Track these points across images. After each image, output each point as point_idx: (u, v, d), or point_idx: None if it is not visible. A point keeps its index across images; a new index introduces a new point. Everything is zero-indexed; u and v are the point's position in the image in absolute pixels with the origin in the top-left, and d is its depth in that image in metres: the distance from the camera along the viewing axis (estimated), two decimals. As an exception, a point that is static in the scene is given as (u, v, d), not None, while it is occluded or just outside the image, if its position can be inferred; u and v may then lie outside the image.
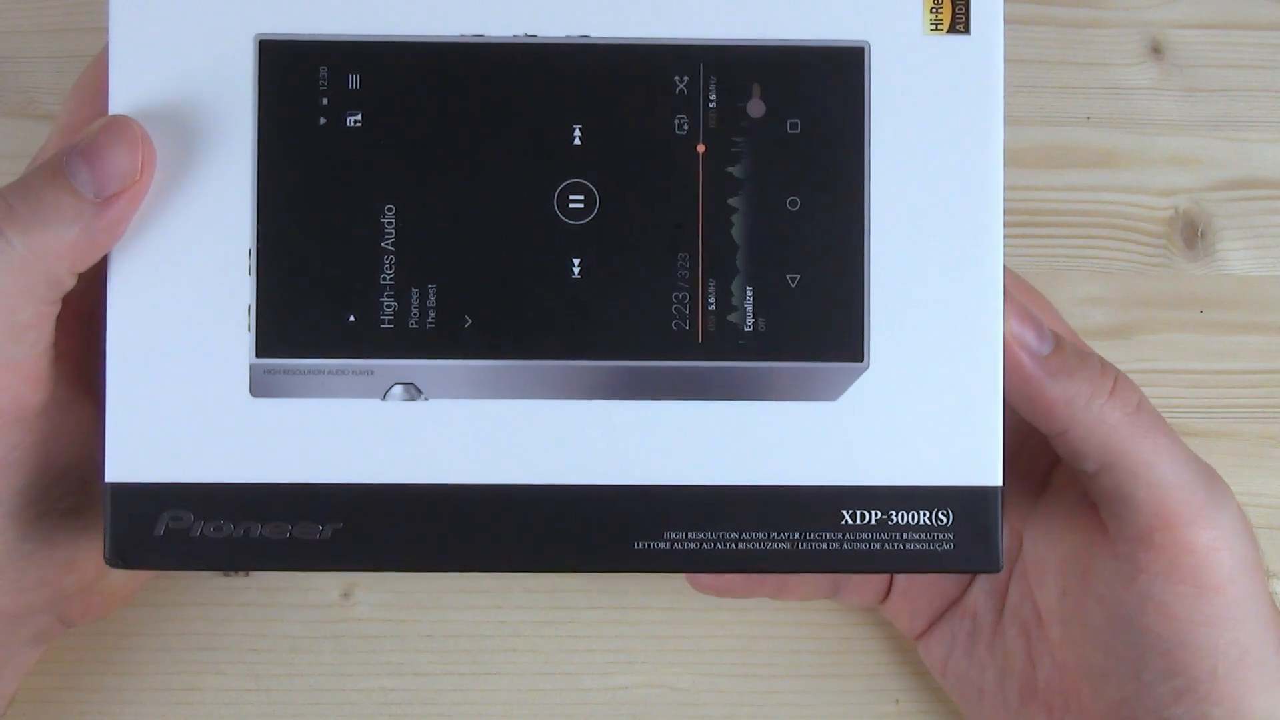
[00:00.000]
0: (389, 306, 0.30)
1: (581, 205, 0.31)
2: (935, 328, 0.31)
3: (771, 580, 0.37)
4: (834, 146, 0.31)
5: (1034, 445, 0.35)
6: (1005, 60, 0.43)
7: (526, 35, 0.30)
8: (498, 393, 0.31)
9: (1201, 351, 0.42)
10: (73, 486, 0.32)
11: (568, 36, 0.30)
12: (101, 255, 0.29)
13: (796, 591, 0.38)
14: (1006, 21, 0.43)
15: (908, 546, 0.31)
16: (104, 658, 0.39)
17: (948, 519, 0.31)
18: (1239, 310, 0.42)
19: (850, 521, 0.31)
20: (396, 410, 0.30)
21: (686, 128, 0.31)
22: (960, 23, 0.31)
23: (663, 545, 0.31)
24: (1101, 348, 0.42)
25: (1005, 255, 0.42)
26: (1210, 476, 0.32)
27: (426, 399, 0.30)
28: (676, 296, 0.31)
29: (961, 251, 0.31)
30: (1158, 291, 0.42)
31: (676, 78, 0.31)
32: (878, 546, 0.31)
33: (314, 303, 0.30)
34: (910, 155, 0.31)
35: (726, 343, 0.31)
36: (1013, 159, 0.42)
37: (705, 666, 0.40)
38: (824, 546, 0.31)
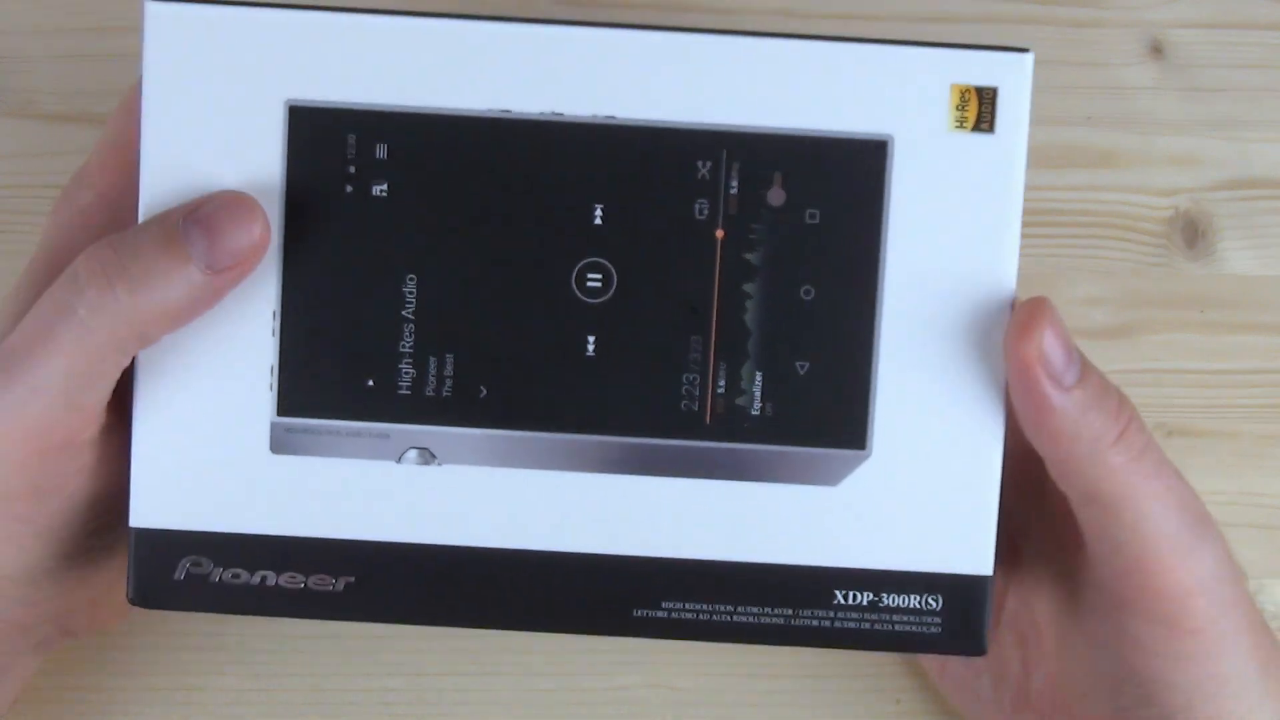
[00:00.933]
0: (407, 373, 0.31)
1: (599, 284, 0.31)
2: (939, 418, 0.32)
3: None
4: (851, 238, 0.31)
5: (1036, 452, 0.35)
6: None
7: (553, 113, 0.31)
8: (509, 461, 0.31)
9: (1201, 351, 0.42)
10: (101, 510, 0.32)
11: (593, 116, 0.31)
12: (200, 315, 0.30)
13: None
14: (1007, 21, 0.43)
15: (896, 628, 0.32)
16: (104, 658, 0.39)
17: (937, 604, 0.32)
18: (1239, 310, 0.42)
19: (842, 601, 0.32)
20: (411, 473, 0.31)
21: (706, 212, 0.31)
22: (985, 122, 0.31)
23: (660, 614, 0.32)
24: (1102, 348, 0.42)
25: (1005, 255, 0.42)
26: (1197, 519, 0.31)
27: (440, 464, 0.31)
28: (687, 378, 0.31)
29: (970, 346, 0.32)
30: (1158, 291, 0.42)
31: (699, 162, 0.31)
32: (867, 626, 0.32)
33: (334, 366, 0.31)
34: (926, 249, 0.31)
35: (733, 425, 0.32)
36: (1013, 159, 0.42)
37: (705, 666, 0.40)
38: (815, 623, 0.32)
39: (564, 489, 0.32)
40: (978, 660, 0.36)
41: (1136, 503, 0.30)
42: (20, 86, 0.42)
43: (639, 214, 0.31)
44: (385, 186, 0.31)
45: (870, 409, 0.32)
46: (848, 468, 0.32)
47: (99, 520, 0.32)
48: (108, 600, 0.34)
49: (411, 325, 0.31)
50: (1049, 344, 0.30)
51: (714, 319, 0.31)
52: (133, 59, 0.42)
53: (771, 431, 0.32)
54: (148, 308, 0.29)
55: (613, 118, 0.31)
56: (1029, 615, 0.35)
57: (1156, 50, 0.43)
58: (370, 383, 0.31)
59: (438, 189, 0.31)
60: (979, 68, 0.31)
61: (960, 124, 0.31)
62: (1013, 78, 0.31)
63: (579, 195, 0.31)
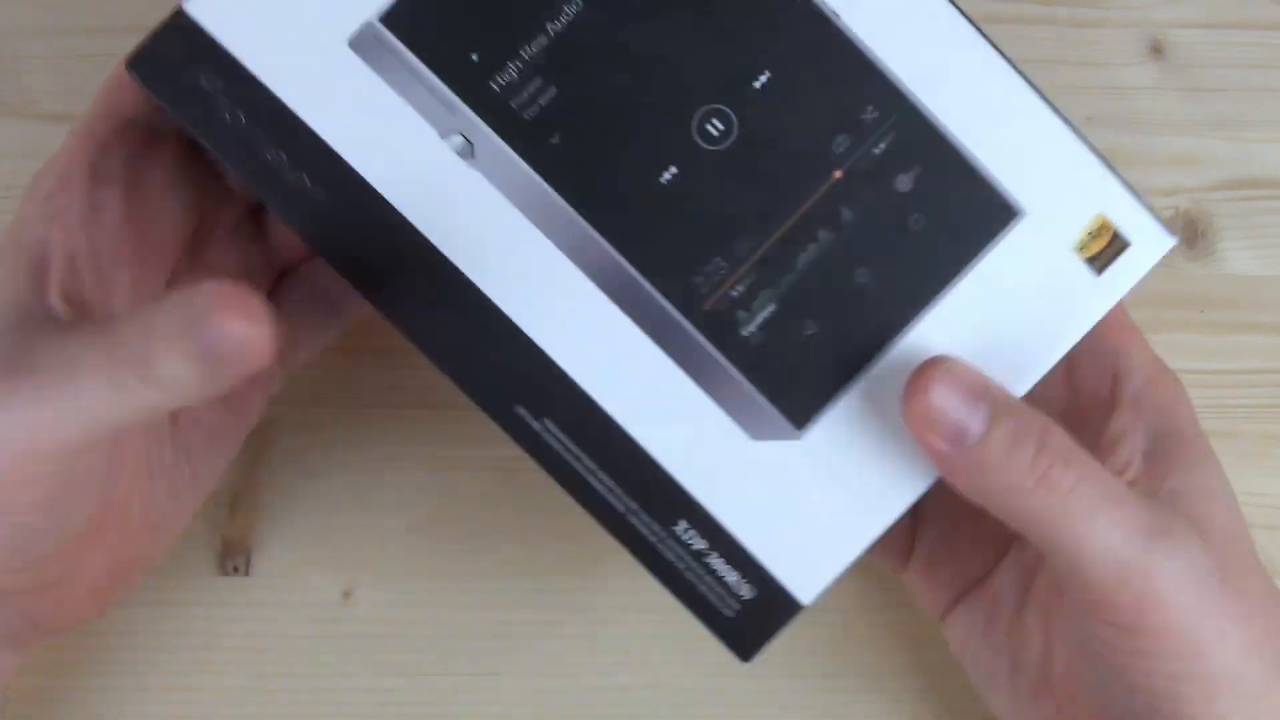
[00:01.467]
0: (510, 73, 0.31)
1: (716, 134, 0.31)
2: (873, 456, 0.32)
3: None
4: (928, 264, 0.31)
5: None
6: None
7: None
8: (526, 210, 0.31)
9: (1202, 351, 0.42)
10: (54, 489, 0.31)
11: (822, 4, 0.31)
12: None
13: None
14: (1007, 21, 0.43)
15: (700, 587, 0.32)
16: (104, 658, 0.39)
17: (746, 594, 0.32)
18: (1239, 310, 0.42)
19: (680, 532, 0.32)
20: (442, 152, 0.31)
21: (843, 150, 0.31)
22: (1100, 262, 0.32)
23: (535, 425, 0.31)
24: (1102, 348, 0.42)
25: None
26: (1153, 530, 0.30)
27: (472, 166, 0.31)
28: (718, 262, 0.31)
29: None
30: (1158, 291, 0.42)
31: (870, 107, 0.31)
32: (681, 566, 0.32)
33: (458, 19, 0.30)
34: (974, 318, 0.32)
35: (718, 327, 0.31)
36: (1013, 159, 0.43)
37: (705, 666, 0.40)
38: (645, 533, 0.32)
39: (548, 266, 0.31)
40: (998, 640, 0.35)
41: (1068, 542, 0.30)
42: (20, 86, 0.42)
43: (795, 105, 0.31)
44: None
45: (830, 406, 0.32)
46: (773, 435, 0.32)
47: (49, 505, 0.31)
48: (68, 585, 0.33)
49: (547, 41, 0.30)
50: (940, 402, 0.30)
51: (775, 238, 0.31)
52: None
53: (742, 357, 0.31)
54: (173, 383, 0.28)
55: (837, 16, 0.31)
56: (1058, 597, 0.34)
57: (1156, 50, 0.43)
58: (474, 57, 0.30)
59: None
60: (1130, 217, 0.32)
61: (1081, 248, 0.32)
62: (1148, 246, 0.32)
63: (755, 51, 0.31)
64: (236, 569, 0.39)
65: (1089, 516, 0.30)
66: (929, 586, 0.37)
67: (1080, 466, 0.30)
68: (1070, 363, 0.34)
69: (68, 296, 0.30)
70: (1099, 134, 0.43)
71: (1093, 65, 0.43)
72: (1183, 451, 0.33)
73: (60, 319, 0.30)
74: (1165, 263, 0.42)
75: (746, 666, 0.37)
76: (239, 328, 0.27)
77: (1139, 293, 0.42)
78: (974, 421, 0.30)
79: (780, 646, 0.40)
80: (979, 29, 0.32)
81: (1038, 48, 0.43)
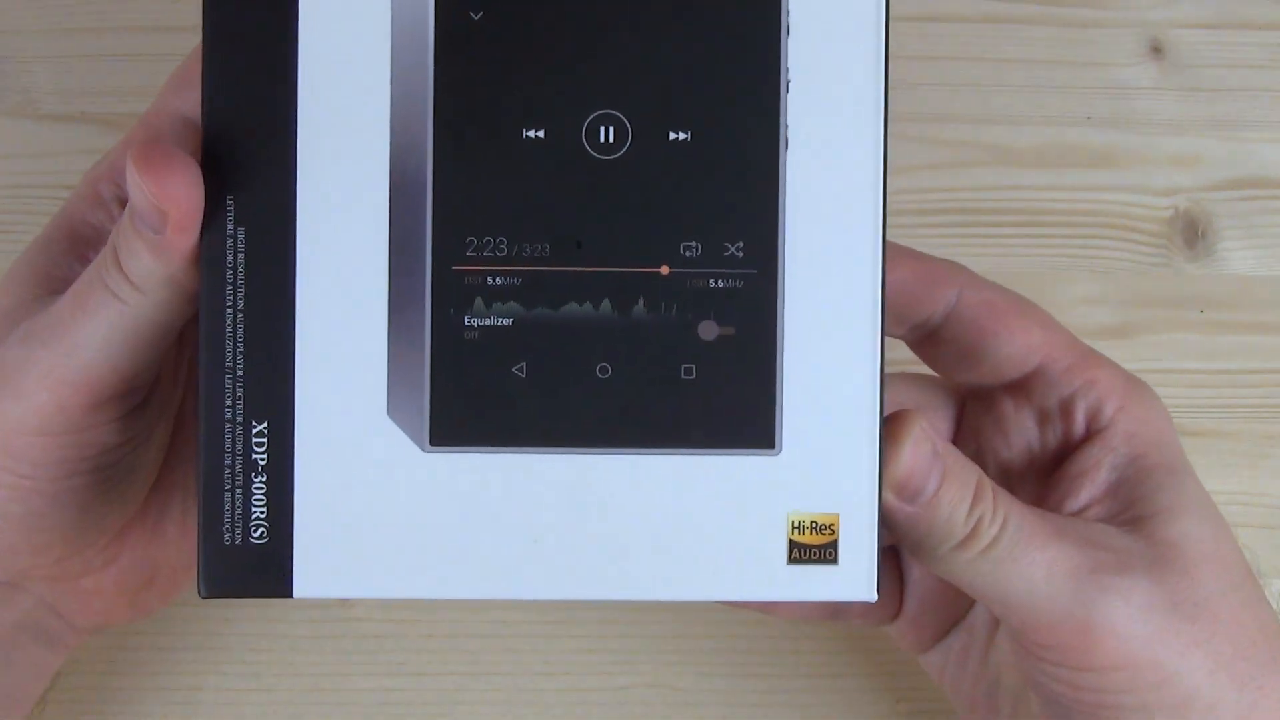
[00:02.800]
0: None
1: (605, 144, 0.28)
2: (472, 521, 0.28)
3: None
4: (663, 414, 0.28)
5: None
6: (1006, 60, 0.43)
7: None
8: (396, 56, 0.28)
9: (1201, 351, 0.42)
10: (105, 491, 0.32)
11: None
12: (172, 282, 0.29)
13: (785, 612, 0.37)
14: (1007, 21, 0.43)
15: (225, 497, 0.28)
16: (104, 657, 0.39)
17: (257, 538, 0.28)
18: (1239, 310, 0.42)
19: (254, 426, 0.28)
20: None
21: (687, 255, 0.28)
22: (799, 553, 0.29)
23: (229, 228, 0.28)
24: (1102, 348, 0.42)
25: (1006, 256, 0.42)
26: (1097, 568, 0.30)
27: None
28: (503, 240, 0.28)
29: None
30: (1158, 291, 0.42)
31: (742, 245, 0.28)
32: (226, 463, 0.28)
33: None
34: (662, 501, 0.28)
35: (449, 294, 0.28)
36: (1013, 159, 0.43)
37: (705, 666, 0.40)
38: (225, 400, 0.28)
39: (372, 136, 0.28)
40: (974, 667, 0.35)
41: (997, 592, 0.30)
42: (20, 86, 0.42)
43: (687, 176, 0.28)
44: None
45: (473, 449, 0.28)
46: (411, 434, 0.28)
47: (103, 505, 0.32)
48: (101, 588, 0.34)
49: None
50: (912, 460, 0.29)
51: (566, 267, 0.28)
52: (132, 59, 0.42)
53: (445, 345, 0.28)
54: (135, 275, 0.29)
55: (786, 148, 0.28)
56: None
57: (1156, 50, 0.43)
58: None
59: None
60: (861, 542, 0.28)
61: (797, 527, 0.28)
62: (848, 580, 0.28)
63: (689, 102, 0.28)
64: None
65: (1016, 562, 0.30)
66: (913, 637, 0.37)
67: (1008, 512, 0.30)
68: (1037, 403, 0.34)
69: None
70: (1099, 134, 0.43)
71: (1093, 65, 0.43)
72: (1151, 477, 0.32)
73: None
74: (1165, 263, 0.43)
75: (745, 667, 0.37)
76: (159, 181, 0.27)
77: (1139, 292, 0.42)
78: (931, 479, 0.29)
79: (780, 647, 0.40)
80: (882, 257, 0.28)
81: (1038, 48, 0.43)
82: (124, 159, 0.30)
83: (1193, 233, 0.42)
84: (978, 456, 0.35)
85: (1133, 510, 0.32)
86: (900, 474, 0.29)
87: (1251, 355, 0.42)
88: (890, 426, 0.29)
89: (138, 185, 0.27)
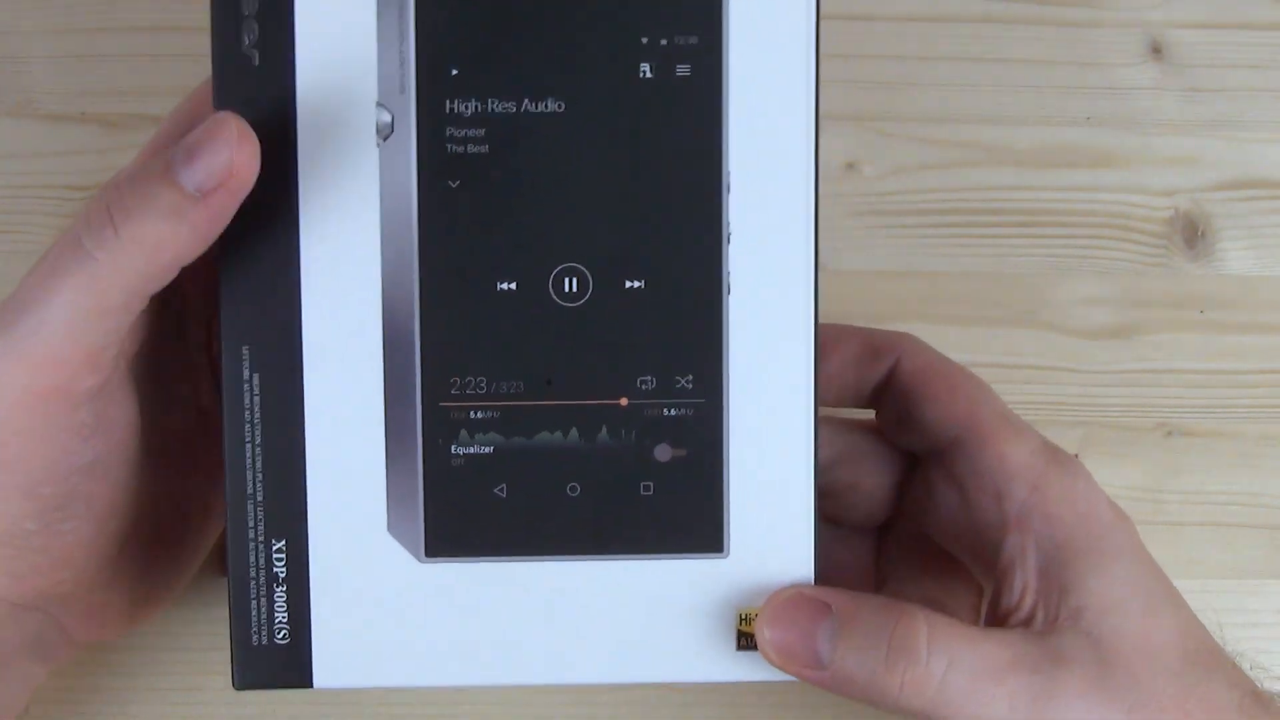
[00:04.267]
0: (466, 107, 0.31)
1: (569, 292, 0.31)
2: (467, 621, 0.32)
3: None
4: (628, 525, 0.32)
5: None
6: (1006, 60, 0.43)
7: None
8: (386, 221, 0.31)
9: (1201, 351, 0.42)
10: (94, 477, 0.32)
11: None
12: (197, 253, 0.30)
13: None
14: (1007, 21, 0.43)
15: (252, 604, 0.33)
16: (104, 658, 0.39)
17: (281, 639, 0.33)
18: (1239, 310, 0.42)
19: (274, 544, 0.32)
20: (367, 121, 0.31)
21: (643, 389, 0.32)
22: (749, 641, 0.32)
23: (245, 370, 0.31)
24: (1102, 348, 0.42)
25: (1006, 256, 0.42)
26: (1047, 700, 0.30)
27: (380, 145, 0.31)
28: (482, 380, 0.32)
29: None
30: (1158, 291, 0.42)
31: (692, 379, 0.32)
32: (252, 575, 0.32)
33: (466, 33, 0.31)
34: (623, 602, 0.32)
35: (438, 428, 0.32)
36: (1013, 159, 0.43)
37: (705, 666, 0.40)
38: (249, 520, 0.32)
39: (362, 269, 0.31)
40: None
41: (936, 714, 0.30)
42: (20, 86, 0.42)
43: (644, 323, 0.32)
44: None
45: (467, 560, 0.32)
46: (408, 547, 0.32)
47: (94, 502, 0.32)
48: (101, 598, 0.34)
49: (512, 111, 0.31)
50: (778, 637, 0.31)
51: (536, 401, 0.32)
52: (132, 59, 0.42)
53: (433, 469, 0.32)
54: (144, 236, 0.29)
55: (728, 293, 0.31)
56: None
57: (1156, 50, 0.43)
58: (454, 71, 0.31)
59: None
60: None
61: (746, 619, 0.32)
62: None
63: (649, 260, 0.31)
64: None
65: (975, 695, 0.30)
66: None
67: (951, 652, 0.30)
68: (956, 476, 0.34)
69: None
70: (1099, 134, 0.43)
71: (1093, 65, 0.43)
72: (1077, 562, 0.32)
73: None
74: (1165, 263, 0.43)
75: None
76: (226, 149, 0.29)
77: (1139, 292, 0.42)
78: (821, 644, 0.30)
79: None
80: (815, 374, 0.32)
81: (1038, 48, 0.43)
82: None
83: (1192, 233, 0.42)
84: (920, 518, 0.35)
85: (1067, 602, 0.31)
86: (774, 657, 0.31)
87: (1251, 355, 0.42)
88: (767, 604, 0.31)
89: (220, 137, 0.29)
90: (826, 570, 0.32)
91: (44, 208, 0.41)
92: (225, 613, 0.39)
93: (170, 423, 0.33)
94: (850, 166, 0.42)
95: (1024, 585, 0.32)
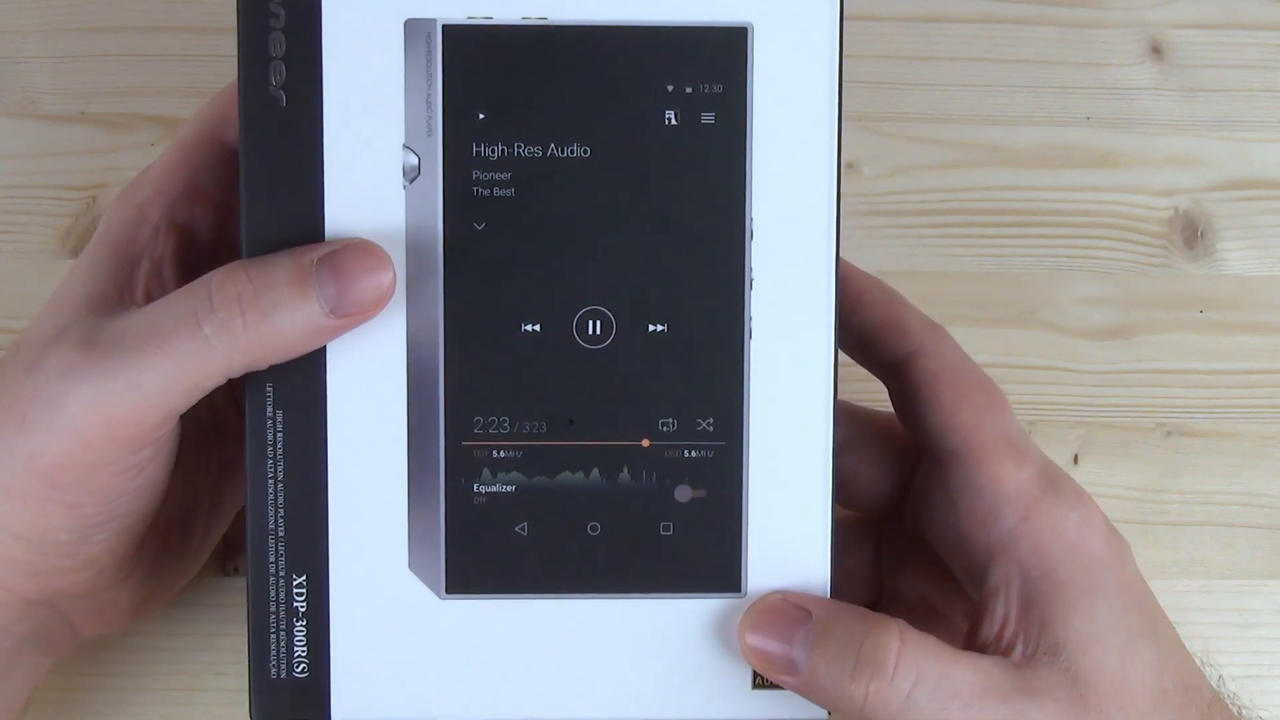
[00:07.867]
0: (492, 151, 0.31)
1: (593, 334, 0.32)
2: (486, 660, 0.32)
3: None
4: (650, 566, 0.32)
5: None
6: (1006, 60, 0.43)
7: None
8: (411, 258, 0.32)
9: (1201, 351, 0.42)
10: (133, 508, 0.32)
11: None
12: (306, 353, 0.31)
13: None
14: (1007, 21, 0.43)
15: (271, 638, 0.32)
16: (104, 658, 0.39)
17: (300, 673, 0.33)
18: (1239, 310, 0.42)
19: (295, 579, 0.32)
20: (393, 164, 0.31)
21: (665, 431, 0.32)
22: (763, 679, 0.32)
23: (268, 410, 0.32)
24: (1101, 348, 0.42)
25: (1006, 256, 0.42)
26: (991, 690, 0.30)
27: (407, 186, 0.31)
28: (505, 420, 0.32)
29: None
30: (1158, 291, 0.42)
31: (712, 420, 0.32)
32: (272, 609, 0.32)
33: (490, 81, 0.31)
34: (648, 641, 0.33)
35: (460, 467, 0.32)
36: (1013, 159, 0.43)
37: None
38: (270, 556, 0.32)
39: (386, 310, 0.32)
40: None
41: None
42: (20, 86, 0.42)
43: (667, 367, 0.32)
44: None
45: (484, 596, 0.32)
46: (426, 582, 0.32)
47: (129, 517, 0.32)
48: (110, 596, 0.34)
49: (538, 156, 0.31)
50: (757, 644, 0.31)
51: (558, 441, 0.32)
52: (132, 59, 0.42)
53: (455, 506, 0.32)
54: (268, 339, 0.30)
55: (750, 338, 0.32)
56: None
57: (1156, 50, 0.43)
58: (481, 116, 0.31)
59: None
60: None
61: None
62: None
63: (673, 305, 0.32)
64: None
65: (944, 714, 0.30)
66: None
67: (920, 670, 0.30)
68: (952, 488, 0.33)
69: (150, 296, 0.32)
70: (1099, 134, 0.43)
71: (1093, 65, 0.43)
72: (1060, 596, 0.31)
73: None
74: (1165, 263, 0.43)
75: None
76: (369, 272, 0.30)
77: (1138, 293, 0.42)
78: (796, 652, 0.31)
79: (780, 646, 0.40)
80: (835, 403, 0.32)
81: (1038, 48, 0.43)
82: (170, 181, 0.32)
83: (1192, 233, 0.42)
84: (918, 520, 0.35)
85: (1047, 636, 0.31)
86: (754, 661, 0.31)
87: (1251, 355, 0.42)
88: (751, 608, 0.32)
89: (368, 270, 0.30)
90: None
91: (44, 208, 0.41)
92: (226, 613, 0.39)
93: (185, 424, 0.34)
94: (850, 166, 0.42)
95: (1005, 615, 0.32)
